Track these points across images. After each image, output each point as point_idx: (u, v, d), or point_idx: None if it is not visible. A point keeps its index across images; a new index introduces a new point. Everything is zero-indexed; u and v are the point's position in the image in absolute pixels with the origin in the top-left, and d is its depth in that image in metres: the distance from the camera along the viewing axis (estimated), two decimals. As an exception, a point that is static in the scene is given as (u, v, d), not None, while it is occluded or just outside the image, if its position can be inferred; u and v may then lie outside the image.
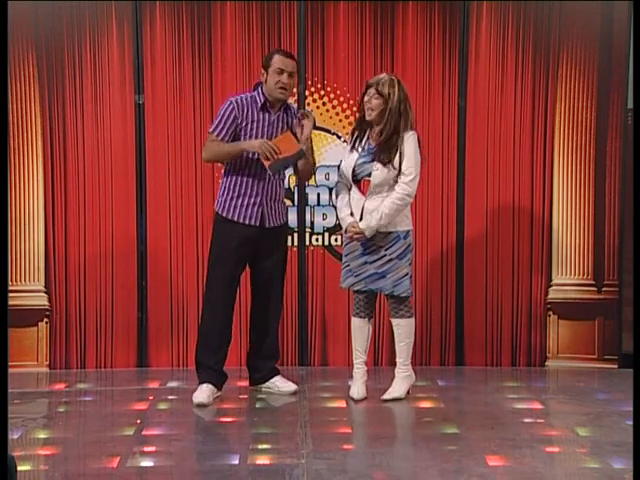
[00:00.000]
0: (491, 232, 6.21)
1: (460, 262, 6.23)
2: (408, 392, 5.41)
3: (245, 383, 5.66)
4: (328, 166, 6.16)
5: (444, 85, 6.16)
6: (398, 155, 5.12)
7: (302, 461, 4.31)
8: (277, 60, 5.22)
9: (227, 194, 5.29)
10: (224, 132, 5.23)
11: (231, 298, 5.36)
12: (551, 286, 6.25)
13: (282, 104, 5.31)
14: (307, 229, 6.21)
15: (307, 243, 6.22)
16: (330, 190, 6.14)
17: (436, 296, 6.24)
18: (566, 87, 6.15)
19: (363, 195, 5.22)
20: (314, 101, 6.17)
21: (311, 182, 6.16)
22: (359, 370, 5.41)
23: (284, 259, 5.52)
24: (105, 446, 4.57)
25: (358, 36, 6.14)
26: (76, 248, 6.15)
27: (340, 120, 6.17)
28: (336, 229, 6.17)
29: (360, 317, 5.38)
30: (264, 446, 4.59)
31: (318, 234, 6.23)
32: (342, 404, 5.33)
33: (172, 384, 5.78)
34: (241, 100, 5.27)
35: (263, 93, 5.27)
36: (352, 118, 6.02)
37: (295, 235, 6.21)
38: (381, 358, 6.21)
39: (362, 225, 5.16)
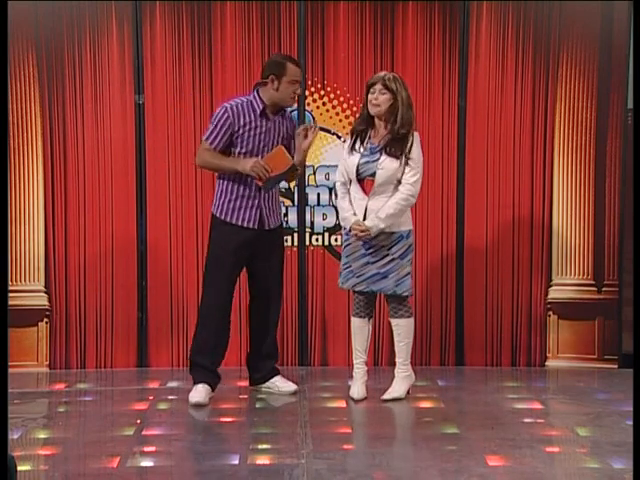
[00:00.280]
0: (491, 232, 6.21)
1: (460, 262, 6.22)
2: (408, 392, 5.41)
3: (245, 383, 5.66)
4: (328, 166, 6.16)
5: (444, 85, 6.16)
6: (406, 152, 5.14)
7: (302, 461, 4.31)
8: (292, 71, 5.22)
9: (224, 197, 5.29)
10: (217, 140, 5.20)
11: (228, 300, 5.36)
12: (551, 286, 6.25)
13: (280, 110, 5.31)
14: (307, 229, 6.21)
15: (307, 243, 6.22)
16: (330, 190, 6.14)
17: (436, 296, 6.24)
18: (566, 87, 6.15)
19: (365, 195, 5.22)
20: (314, 101, 6.16)
21: (311, 182, 6.16)
22: (359, 370, 5.41)
23: (282, 259, 5.53)
24: (105, 446, 4.57)
25: (358, 36, 6.14)
26: (76, 248, 6.15)
27: (340, 120, 6.17)
28: (336, 229, 6.17)
29: (360, 317, 5.38)
30: (264, 446, 4.59)
31: (318, 234, 6.23)
32: (342, 404, 5.33)
33: (172, 384, 5.78)
34: (237, 106, 5.22)
35: (261, 98, 5.25)
36: (352, 118, 6.02)
37: (295, 235, 6.21)
38: (381, 358, 6.20)
39: (368, 223, 5.15)
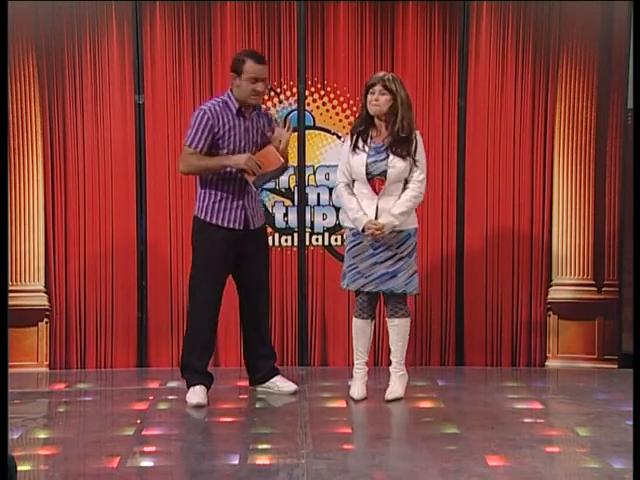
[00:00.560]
0: (491, 232, 6.21)
1: (460, 262, 6.22)
2: (403, 391, 5.43)
3: (245, 383, 5.66)
4: (328, 166, 6.16)
5: (444, 85, 6.16)
6: (412, 154, 5.16)
7: (302, 461, 4.31)
8: (251, 68, 5.14)
9: (208, 199, 5.26)
10: (202, 143, 5.17)
11: (217, 302, 5.34)
12: (551, 286, 6.25)
13: (253, 108, 5.29)
14: (307, 229, 6.21)
15: (307, 243, 6.22)
16: (330, 190, 6.14)
17: (436, 296, 6.24)
18: (566, 87, 6.15)
19: (375, 194, 5.20)
20: (314, 101, 6.16)
21: (311, 182, 6.16)
22: (360, 370, 5.41)
23: (268, 258, 5.53)
24: (105, 446, 4.57)
25: (358, 36, 6.14)
26: (76, 248, 6.15)
27: (340, 120, 6.17)
28: (336, 229, 6.17)
29: (363, 318, 5.35)
30: (264, 446, 4.59)
31: (318, 234, 6.23)
32: (342, 404, 5.33)
33: (172, 384, 5.78)
34: (214, 107, 5.19)
35: (235, 97, 5.22)
36: (352, 118, 6.02)
37: (295, 235, 6.21)
38: (381, 358, 6.20)
39: (382, 221, 5.14)
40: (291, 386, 5.54)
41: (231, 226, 5.26)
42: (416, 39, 6.14)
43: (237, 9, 6.11)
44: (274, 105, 6.14)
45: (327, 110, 6.17)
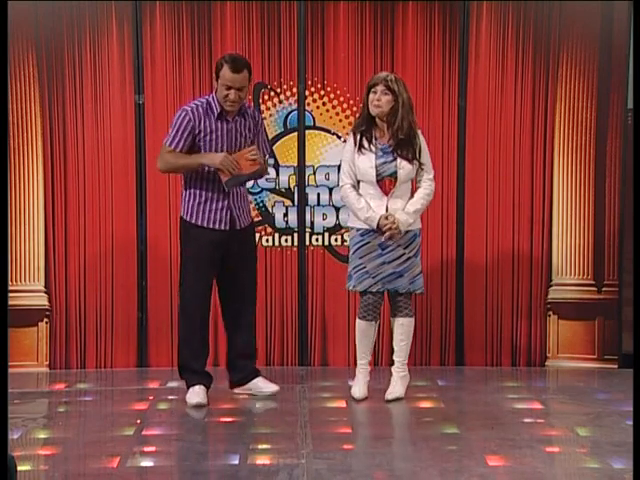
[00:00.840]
0: (491, 232, 6.21)
1: (460, 262, 6.22)
2: (405, 391, 5.43)
3: (244, 383, 5.66)
4: (328, 166, 6.16)
5: (444, 85, 6.16)
6: (417, 157, 5.18)
7: (302, 461, 4.30)
8: (225, 75, 5.05)
9: (193, 200, 5.21)
10: (181, 144, 5.14)
11: (207, 302, 5.32)
12: (551, 286, 6.25)
13: (238, 110, 5.19)
14: (307, 229, 6.21)
15: (307, 243, 6.22)
16: (330, 190, 6.14)
17: (436, 296, 6.24)
18: (566, 87, 6.15)
19: (384, 195, 5.19)
20: (314, 101, 6.16)
21: (311, 182, 6.16)
22: (363, 370, 5.39)
23: (255, 257, 5.46)
24: (105, 446, 4.57)
25: (358, 36, 6.14)
26: (76, 248, 6.15)
27: (340, 120, 6.17)
28: (336, 229, 6.17)
29: (367, 320, 5.31)
30: (264, 446, 4.59)
31: (318, 234, 6.23)
32: (342, 404, 5.33)
33: (172, 384, 5.77)
34: (196, 108, 5.15)
35: (217, 100, 5.16)
36: (352, 118, 6.02)
37: (295, 235, 6.21)
38: (381, 358, 6.20)
39: (400, 217, 5.13)
40: (272, 387, 5.44)
41: (217, 227, 5.22)
42: (416, 39, 6.15)
43: (237, 9, 6.11)
44: (274, 105, 6.14)
45: (327, 110, 6.17)
